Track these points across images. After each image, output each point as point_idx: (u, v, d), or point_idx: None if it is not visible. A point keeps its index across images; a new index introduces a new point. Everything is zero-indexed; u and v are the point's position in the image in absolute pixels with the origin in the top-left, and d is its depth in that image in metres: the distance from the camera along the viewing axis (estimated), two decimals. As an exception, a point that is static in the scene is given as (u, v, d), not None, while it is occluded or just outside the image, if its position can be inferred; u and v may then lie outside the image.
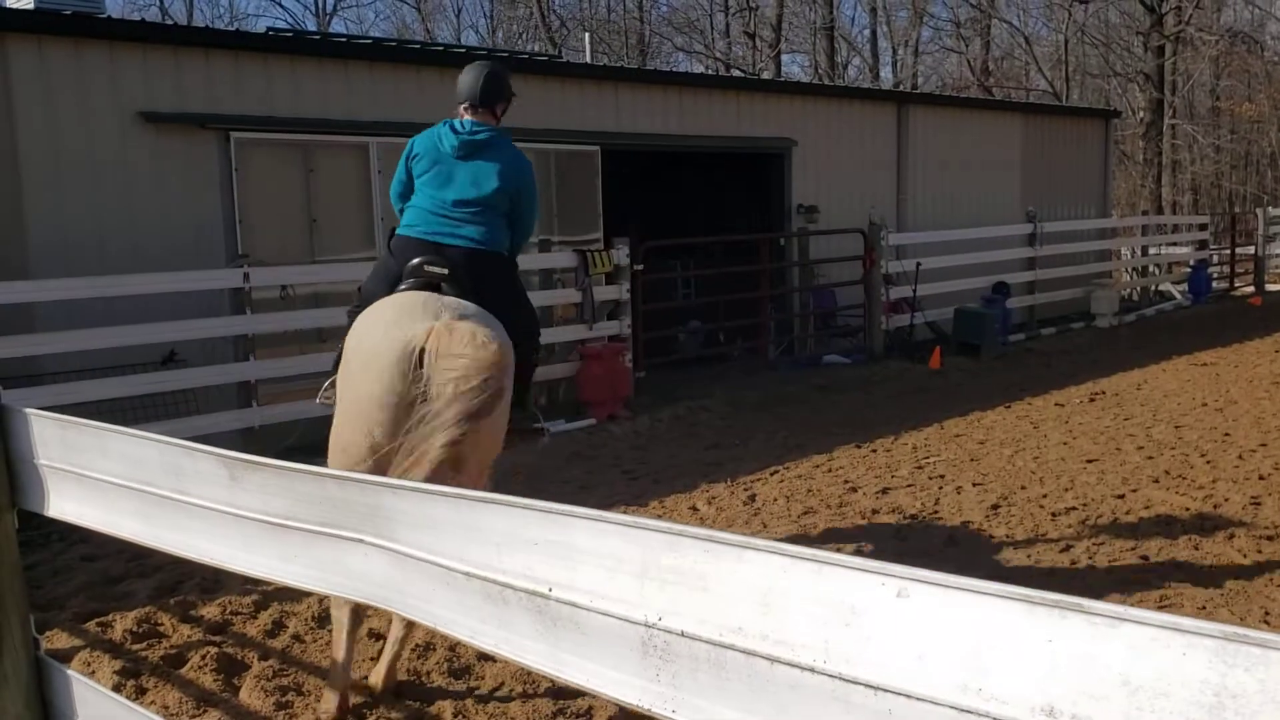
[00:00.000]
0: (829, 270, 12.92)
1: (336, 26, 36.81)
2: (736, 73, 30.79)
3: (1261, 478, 6.67)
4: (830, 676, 1.08)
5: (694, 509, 6.53)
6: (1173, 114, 30.67)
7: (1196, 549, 5.36)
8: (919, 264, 12.81)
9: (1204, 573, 5.01)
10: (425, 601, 1.50)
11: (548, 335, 9.86)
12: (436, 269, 4.18)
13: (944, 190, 15.00)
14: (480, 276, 4.24)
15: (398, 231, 4.42)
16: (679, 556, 1.24)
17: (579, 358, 9.60)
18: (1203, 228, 20.44)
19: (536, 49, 32.00)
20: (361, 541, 1.57)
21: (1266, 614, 4.48)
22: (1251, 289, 18.92)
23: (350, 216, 9.30)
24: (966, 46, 33.93)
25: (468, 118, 4.51)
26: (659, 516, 6.36)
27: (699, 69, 30.89)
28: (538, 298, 10.00)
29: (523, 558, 1.39)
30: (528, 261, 10.07)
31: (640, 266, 10.32)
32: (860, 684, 1.06)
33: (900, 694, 1.05)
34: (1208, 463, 7.12)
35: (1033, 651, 1.04)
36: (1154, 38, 28.33)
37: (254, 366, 8.19)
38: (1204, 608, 4.58)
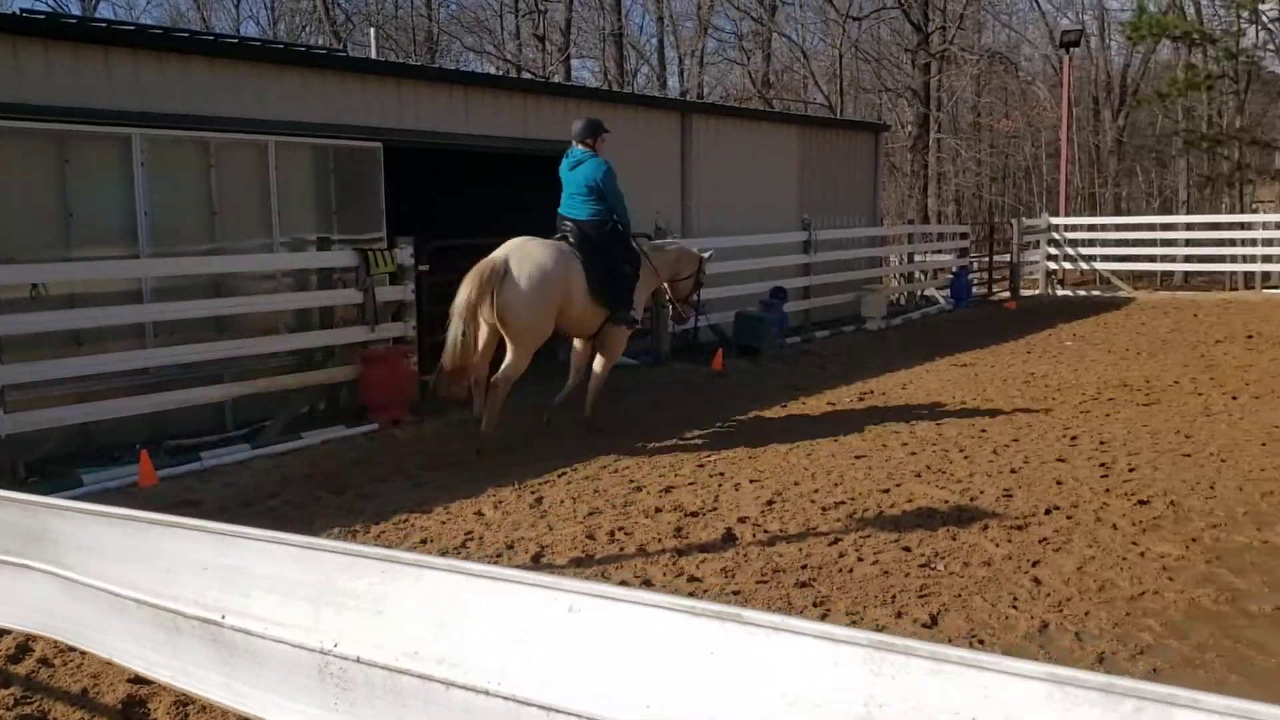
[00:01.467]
0: (616, 273, 13.04)
1: (104, 11, 34.59)
2: (527, 75, 30.72)
3: (1013, 471, 7.12)
4: (505, 699, 1.04)
5: (479, 514, 6.43)
6: (938, 128, 32.54)
7: (954, 539, 5.66)
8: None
9: (961, 563, 5.29)
10: (99, 631, 1.37)
11: (325, 338, 9.57)
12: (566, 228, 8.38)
13: (726, 198, 15.39)
14: (582, 233, 8.27)
15: None
16: (355, 578, 1.18)
17: (360, 361, 9.32)
18: (964, 236, 21.75)
19: (320, 43, 30.99)
20: (29, 568, 1.42)
21: (1014, 599, 4.77)
22: (1008, 294, 20.28)
23: (110, 211, 8.70)
24: (748, 59, 35.00)
25: (576, 147, 8.49)
26: (444, 523, 6.24)
27: (489, 70, 30.65)
28: (316, 298, 9.71)
29: (194, 583, 1.29)
30: (305, 260, 9.76)
31: (426, 267, 10.10)
32: (534, 705, 1.02)
33: (572, 714, 1.02)
34: (965, 457, 7.55)
35: (698, 664, 1.02)
36: (921, 55, 30.00)
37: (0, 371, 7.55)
38: (959, 595, 4.83)
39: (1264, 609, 4.61)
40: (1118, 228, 22.91)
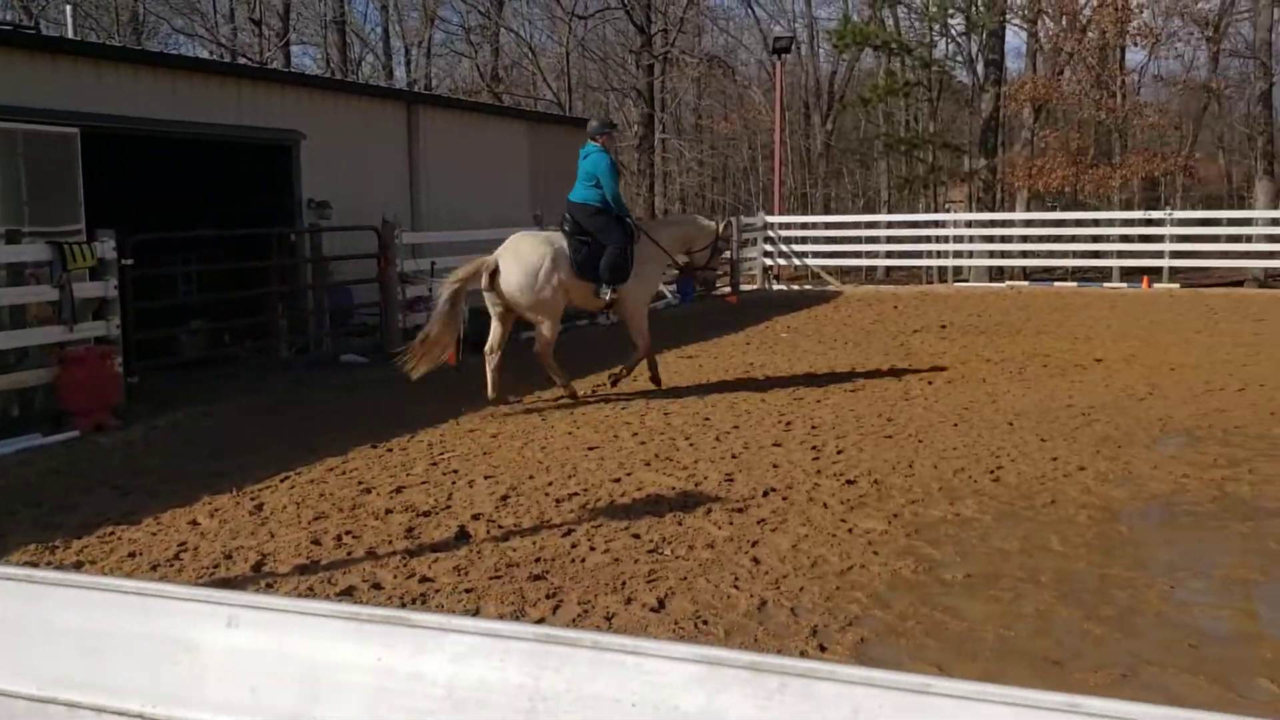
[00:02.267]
0: (344, 268, 12.67)
1: None
2: (243, 61, 29.23)
3: (734, 456, 7.45)
4: (161, 721, 1.00)
5: (194, 523, 6.08)
6: (662, 129, 33.54)
7: (680, 524, 5.87)
8: (434, 263, 12.93)
9: (686, 546, 5.49)
10: None
11: (16, 339, 8.76)
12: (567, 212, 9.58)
13: (458, 191, 15.26)
14: (574, 217, 9.48)
15: None
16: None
17: (58, 363, 8.60)
18: (689, 233, 22.53)
19: (8, 18, 28.25)
20: None
21: (736, 579, 5.00)
22: (729, 289, 21.18)
23: None
24: (476, 52, 34.79)
25: (590, 142, 9.72)
26: (154, 534, 5.86)
27: (203, 55, 28.95)
28: (4, 295, 8.87)
29: None
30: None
31: (129, 261, 9.45)
32: (190, 725, 0.99)
33: (232, 733, 0.99)
34: (691, 445, 7.84)
35: (364, 672, 1.01)
36: (644, 56, 30.81)
37: None
38: (685, 578, 5.02)
39: (957, 577, 5.05)
40: (827, 226, 24.42)
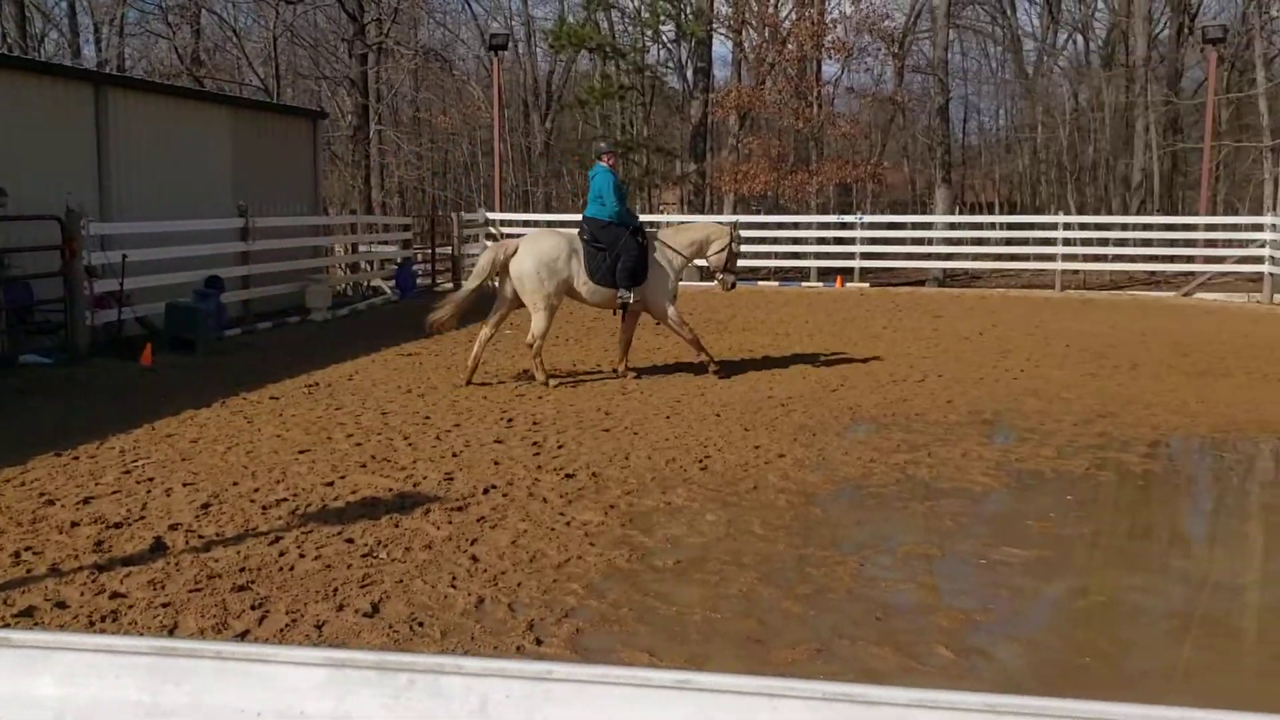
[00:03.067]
0: (22, 261, 11.56)
1: None
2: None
3: (455, 455, 7.39)
4: None
5: None
6: (379, 120, 32.73)
7: (397, 526, 5.75)
8: (125, 256, 12.05)
9: (403, 549, 5.39)
10: None
11: None
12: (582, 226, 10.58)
13: (154, 180, 14.28)
14: (590, 230, 10.43)
15: None
16: None
17: None
18: (406, 228, 22.14)
19: None
20: None
21: (454, 579, 4.96)
22: (451, 285, 20.98)
23: None
24: (175, 33, 32.68)
25: (597, 163, 10.78)
26: None
27: None
28: None
29: None
30: None
31: None
32: None
33: None
34: (409, 445, 7.71)
35: None
36: (358, 46, 29.94)
37: None
38: (401, 581, 4.93)
39: (668, 564, 5.23)
40: (549, 223, 24.59)
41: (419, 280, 20.41)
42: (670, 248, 10.82)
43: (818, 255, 23.76)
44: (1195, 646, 4.44)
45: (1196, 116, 29.73)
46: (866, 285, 22.62)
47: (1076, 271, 23.99)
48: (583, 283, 10.33)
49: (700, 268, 12.35)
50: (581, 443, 7.80)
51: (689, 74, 29.43)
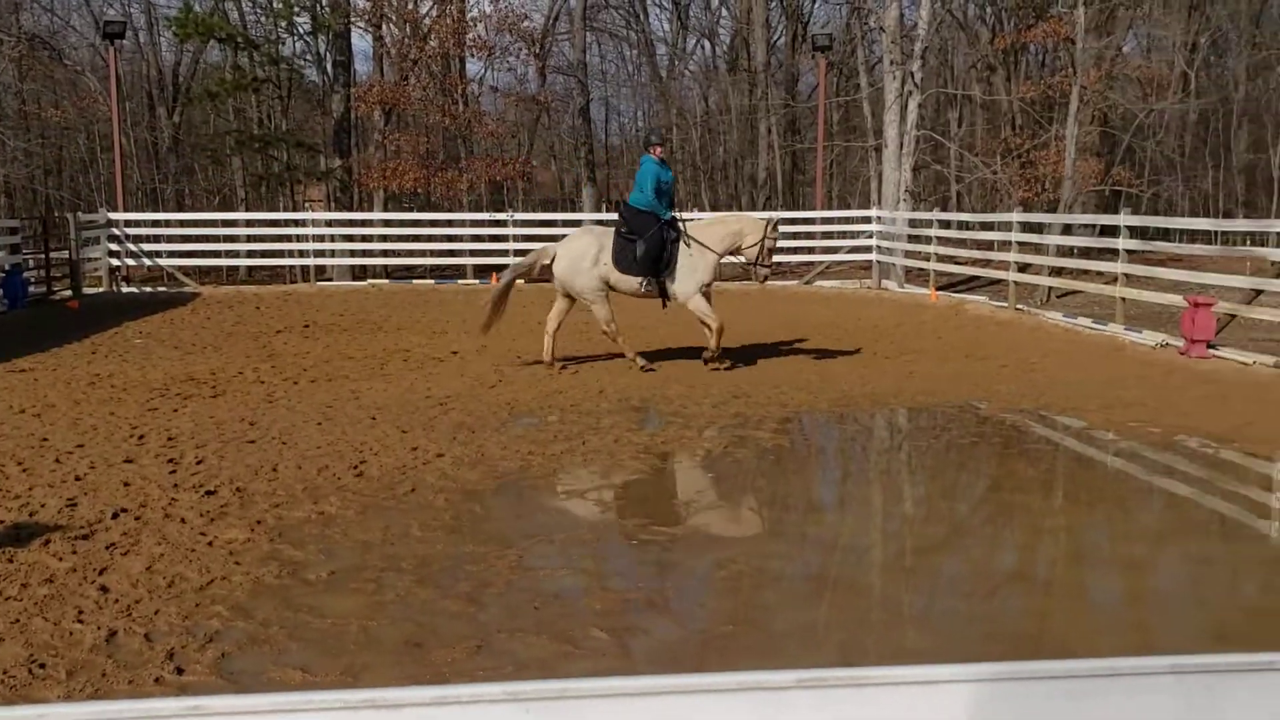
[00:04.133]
0: None
1: None
2: None
3: (78, 478, 6.77)
4: None
5: None
6: (-24, 112, 29.29)
7: (11, 561, 5.19)
8: None
9: (19, 585, 4.87)
10: None
11: None
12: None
13: None
14: (631, 213, 10.94)
15: None
16: None
17: None
18: (14, 232, 19.94)
19: None
20: None
21: (80, 613, 4.55)
22: (69, 293, 19.16)
23: None
24: None
25: (645, 153, 11.36)
26: None
27: None
28: None
29: None
30: None
31: None
32: None
33: None
34: (24, 471, 6.97)
35: None
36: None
37: None
38: (17, 620, 4.46)
39: (321, 576, 5.06)
40: (181, 224, 23.02)
41: (31, 288, 18.46)
42: (699, 241, 11.00)
43: (473, 253, 23.80)
44: (831, 606, 4.87)
45: (811, 119, 32.43)
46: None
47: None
48: (610, 271, 10.87)
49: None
50: (224, 456, 7.38)
51: (329, 67, 28.49)
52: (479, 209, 29.35)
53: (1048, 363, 11.67)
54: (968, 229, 19.37)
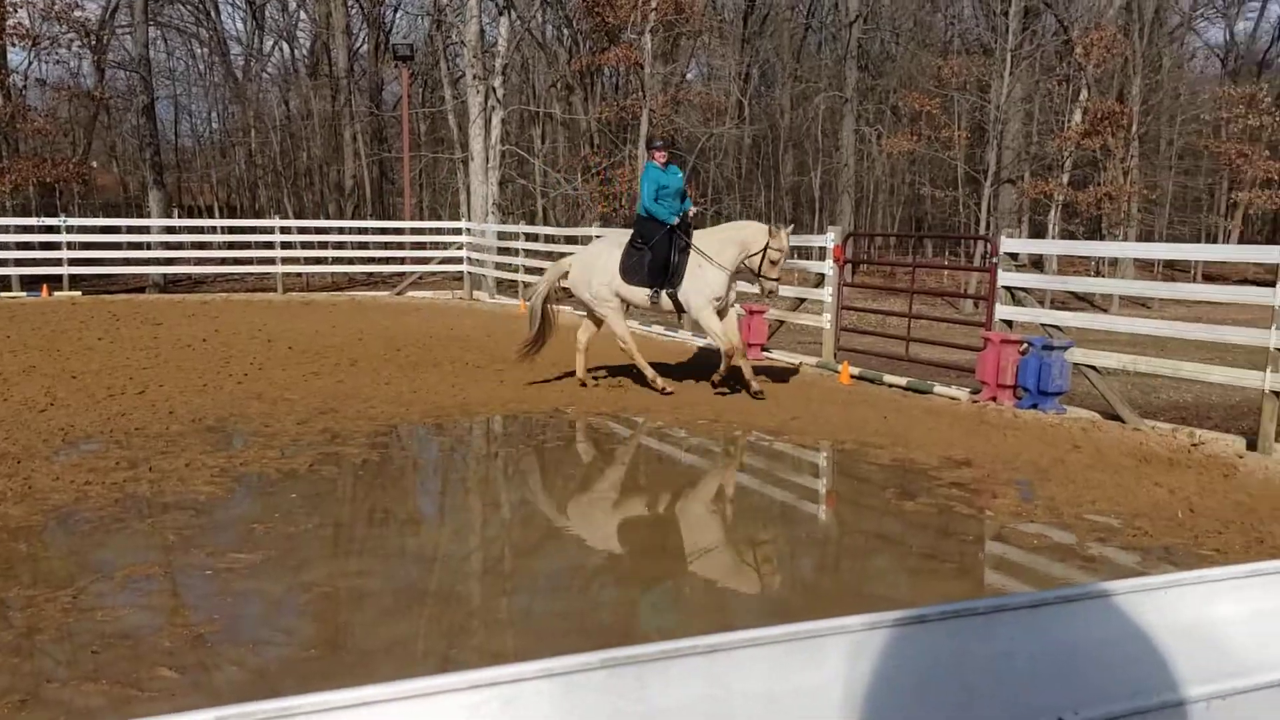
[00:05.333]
0: None
1: None
2: None
3: None
4: None
5: None
6: None
7: None
8: None
9: None
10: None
11: None
12: None
13: None
14: (638, 220, 10.36)
15: None
16: None
17: None
18: None
19: None
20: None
21: None
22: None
23: None
24: None
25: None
26: None
27: None
28: None
29: None
30: None
31: None
32: None
33: None
34: None
35: None
36: None
37: None
38: None
39: None
40: None
41: None
42: (701, 252, 10.18)
43: (19, 262, 21.25)
44: (428, 618, 4.80)
45: (398, 128, 32.16)
46: (79, 294, 20.81)
47: (300, 274, 24.57)
48: (619, 282, 10.36)
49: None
50: None
51: None
52: (26, 214, 26.28)
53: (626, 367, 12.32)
54: (554, 242, 20.06)
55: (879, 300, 17.81)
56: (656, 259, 10.20)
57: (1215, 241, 36.12)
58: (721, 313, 10.31)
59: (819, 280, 13.17)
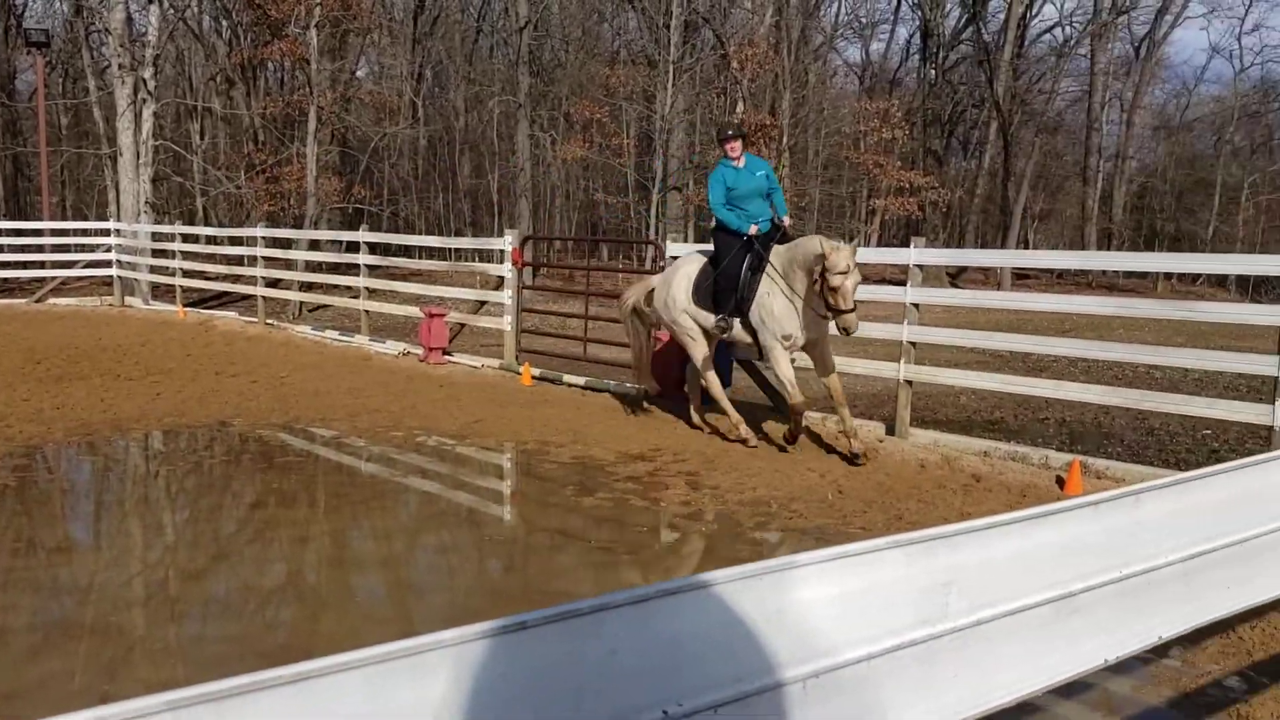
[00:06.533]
0: None
1: None
2: None
3: None
4: None
5: None
6: None
7: None
8: None
9: None
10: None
11: None
12: None
13: None
14: (714, 231, 8.48)
15: None
16: None
17: None
18: None
19: None
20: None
21: None
22: None
23: None
24: None
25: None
26: None
27: None
28: None
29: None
30: None
31: None
32: None
33: None
34: None
35: None
36: None
37: None
38: None
39: None
40: None
41: None
42: (776, 272, 8.05)
43: None
44: (84, 654, 4.41)
45: (34, 121, 29.28)
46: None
47: (-86, 281, 21.83)
48: (690, 302, 8.65)
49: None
50: None
51: None
52: None
53: (298, 376, 11.87)
54: (216, 244, 18.94)
55: (558, 303, 18.22)
56: (725, 278, 8.27)
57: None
58: (820, 356, 8.30)
59: (499, 283, 13.25)
